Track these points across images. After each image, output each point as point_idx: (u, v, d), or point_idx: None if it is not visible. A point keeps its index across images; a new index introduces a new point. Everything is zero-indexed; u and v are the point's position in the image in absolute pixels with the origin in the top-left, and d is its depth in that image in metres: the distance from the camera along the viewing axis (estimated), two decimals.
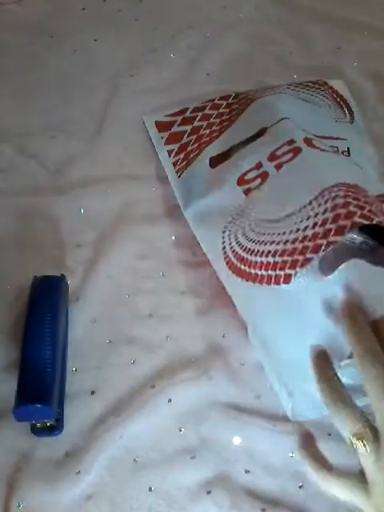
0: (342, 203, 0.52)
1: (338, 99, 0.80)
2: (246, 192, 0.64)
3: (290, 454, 0.54)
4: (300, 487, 0.52)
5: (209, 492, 0.52)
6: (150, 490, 0.51)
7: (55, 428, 0.53)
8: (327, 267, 0.51)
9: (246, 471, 0.53)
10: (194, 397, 0.57)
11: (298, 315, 0.53)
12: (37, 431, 0.53)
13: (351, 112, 0.79)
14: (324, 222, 0.52)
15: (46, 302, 0.57)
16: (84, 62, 0.86)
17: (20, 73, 0.85)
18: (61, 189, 0.72)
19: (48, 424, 0.53)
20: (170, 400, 0.56)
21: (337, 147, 0.70)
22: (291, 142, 0.64)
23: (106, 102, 0.81)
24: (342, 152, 0.70)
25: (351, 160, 0.69)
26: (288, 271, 0.51)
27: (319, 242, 0.50)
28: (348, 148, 0.72)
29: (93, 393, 0.57)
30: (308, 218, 0.54)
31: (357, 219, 0.50)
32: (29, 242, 0.67)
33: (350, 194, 0.53)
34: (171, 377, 0.57)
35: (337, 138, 0.72)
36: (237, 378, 0.58)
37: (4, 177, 0.73)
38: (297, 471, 0.53)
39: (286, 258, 0.52)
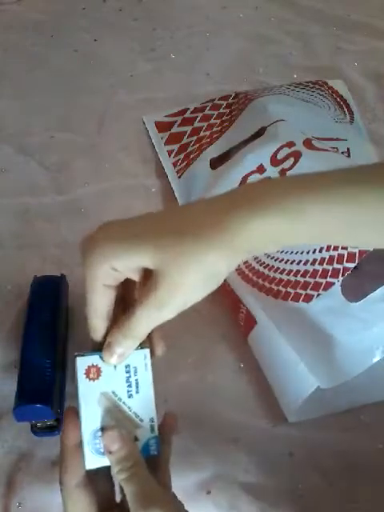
0: None
1: (338, 99, 0.80)
2: None
3: (290, 454, 0.54)
4: (299, 487, 0.52)
5: (208, 492, 0.52)
6: None
7: (55, 428, 0.53)
8: (352, 294, 0.52)
9: (246, 471, 0.53)
10: (193, 397, 0.57)
11: (309, 330, 0.53)
12: (37, 431, 0.53)
13: (351, 112, 0.79)
14: (336, 247, 0.54)
15: (46, 302, 0.57)
16: (84, 62, 0.86)
17: (20, 73, 0.85)
18: (61, 189, 0.72)
19: (48, 424, 0.53)
20: (167, 400, 0.56)
21: (337, 148, 0.70)
22: (291, 144, 0.64)
23: (106, 101, 0.81)
24: (342, 152, 0.70)
25: (351, 161, 0.69)
26: (310, 292, 0.53)
27: (336, 266, 0.53)
28: (348, 148, 0.72)
29: None
30: None
31: None
32: (29, 242, 0.67)
33: None
34: (171, 377, 0.57)
35: (337, 139, 0.72)
36: (237, 378, 0.58)
37: (4, 177, 0.73)
38: (297, 471, 0.53)
39: (308, 279, 0.54)
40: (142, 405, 0.39)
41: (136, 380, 0.39)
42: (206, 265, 0.35)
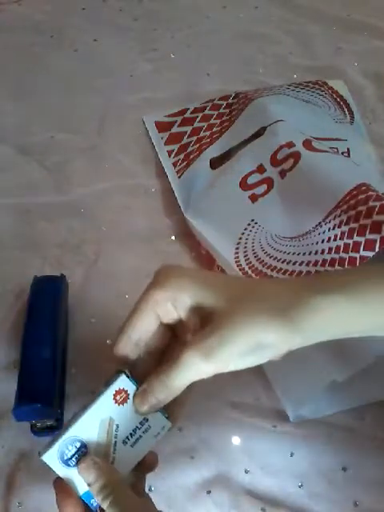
0: (347, 231, 0.55)
1: (338, 99, 0.80)
2: (252, 198, 0.64)
3: (290, 454, 0.54)
4: (300, 487, 0.52)
5: (209, 492, 0.52)
6: (150, 489, 0.51)
7: (55, 428, 0.53)
8: None
9: (246, 471, 0.53)
10: (193, 397, 0.57)
11: None
12: (37, 431, 0.53)
13: (351, 112, 0.79)
14: (337, 250, 0.55)
15: (46, 302, 0.57)
16: (84, 62, 0.86)
17: (20, 73, 0.85)
18: (61, 189, 0.72)
19: (48, 424, 0.53)
20: None
21: (337, 148, 0.70)
22: (290, 144, 0.64)
23: (106, 102, 0.81)
24: (342, 153, 0.70)
25: (351, 160, 0.69)
26: None
27: (338, 269, 0.54)
28: (348, 148, 0.72)
29: (93, 393, 0.56)
30: (323, 242, 0.57)
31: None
32: (29, 242, 0.67)
33: (352, 214, 0.55)
34: None
35: (337, 139, 0.72)
36: (237, 378, 0.58)
37: (4, 177, 0.73)
38: (296, 471, 0.53)
39: None
40: (124, 459, 0.37)
41: (140, 436, 0.37)
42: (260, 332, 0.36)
